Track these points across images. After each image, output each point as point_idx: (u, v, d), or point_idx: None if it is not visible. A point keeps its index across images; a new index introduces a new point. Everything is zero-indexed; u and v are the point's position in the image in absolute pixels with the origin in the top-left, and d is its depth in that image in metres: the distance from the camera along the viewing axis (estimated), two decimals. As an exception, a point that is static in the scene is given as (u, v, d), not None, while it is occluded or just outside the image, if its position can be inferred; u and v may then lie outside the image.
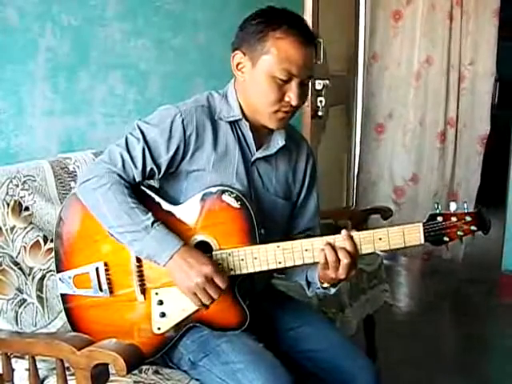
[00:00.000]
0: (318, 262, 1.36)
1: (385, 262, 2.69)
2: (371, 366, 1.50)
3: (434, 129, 3.74)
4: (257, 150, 1.47)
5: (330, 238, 1.35)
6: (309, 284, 1.49)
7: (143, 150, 1.38)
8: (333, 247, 1.32)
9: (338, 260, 1.32)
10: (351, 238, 1.33)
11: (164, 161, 1.40)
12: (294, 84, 1.38)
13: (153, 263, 1.37)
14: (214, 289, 1.31)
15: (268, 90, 1.38)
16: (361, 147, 3.95)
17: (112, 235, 1.38)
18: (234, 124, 1.46)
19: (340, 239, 1.34)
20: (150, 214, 1.35)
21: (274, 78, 1.37)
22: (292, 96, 1.38)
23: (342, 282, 1.38)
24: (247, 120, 1.46)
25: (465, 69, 3.64)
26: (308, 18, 2.81)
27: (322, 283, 1.42)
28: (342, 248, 1.32)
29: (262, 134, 1.48)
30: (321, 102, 3.04)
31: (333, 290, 1.44)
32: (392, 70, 3.78)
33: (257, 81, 1.40)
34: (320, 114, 3.06)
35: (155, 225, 1.33)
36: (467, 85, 3.65)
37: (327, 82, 3.02)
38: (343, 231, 1.34)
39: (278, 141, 1.48)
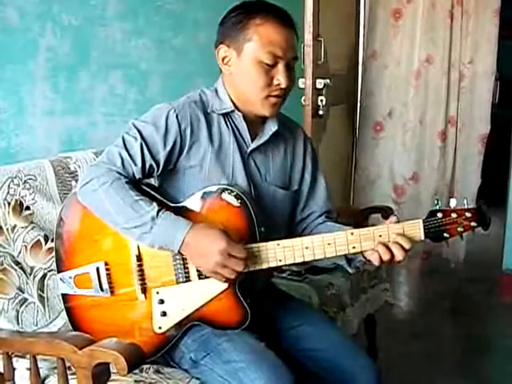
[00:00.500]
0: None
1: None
2: (372, 365, 1.50)
3: (434, 128, 3.73)
4: (251, 142, 1.48)
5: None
6: (349, 261, 1.48)
7: (141, 146, 1.38)
8: (386, 246, 1.33)
9: (392, 256, 1.33)
10: (403, 234, 1.33)
11: (162, 156, 1.40)
12: (280, 66, 1.40)
13: (167, 251, 1.36)
14: (235, 261, 1.31)
15: (256, 76, 1.40)
16: (359, 146, 3.94)
17: (121, 233, 1.37)
18: (227, 117, 1.47)
19: (392, 234, 1.33)
20: (154, 203, 1.34)
21: (261, 63, 1.39)
22: (281, 78, 1.40)
23: None
24: (239, 111, 1.47)
25: (464, 67, 3.64)
26: (308, 17, 2.81)
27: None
28: (395, 243, 1.33)
29: (255, 125, 1.49)
30: (321, 101, 3.03)
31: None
32: (392, 68, 3.77)
33: (244, 69, 1.42)
34: (321, 113, 3.06)
35: (160, 213, 1.33)
36: (467, 84, 3.65)
37: (328, 81, 3.02)
38: (388, 220, 1.35)
39: (271, 127, 1.49)
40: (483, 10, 3.54)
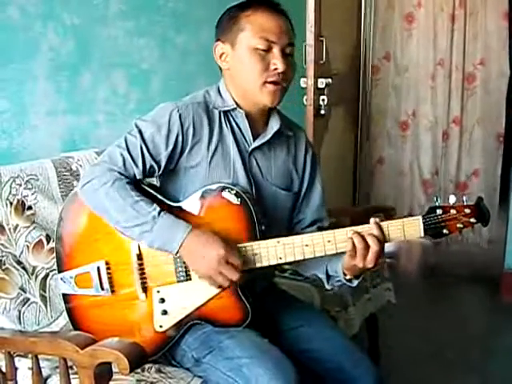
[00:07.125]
0: (337, 254, 1.37)
1: (387, 260, 2.68)
2: (373, 367, 1.49)
3: (439, 127, 3.85)
4: (253, 141, 1.48)
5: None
6: (328, 277, 1.49)
7: (141, 147, 1.39)
8: (361, 234, 1.33)
9: (366, 247, 1.32)
10: (379, 225, 1.33)
11: (163, 157, 1.41)
12: (275, 51, 1.41)
13: (161, 256, 1.38)
14: (231, 270, 1.31)
15: (252, 63, 1.41)
16: (372, 146, 4.02)
17: (121, 232, 1.38)
18: (228, 114, 1.47)
19: (365, 228, 1.34)
20: (154, 204, 1.35)
21: (256, 49, 1.41)
22: (276, 62, 1.41)
23: (367, 271, 1.38)
24: (241, 109, 1.47)
25: (475, 68, 3.72)
26: (310, 16, 2.80)
27: (346, 275, 1.42)
28: (370, 235, 1.33)
29: (257, 124, 1.50)
30: (323, 100, 3.04)
31: (355, 282, 1.43)
32: (405, 70, 3.88)
33: (240, 59, 1.43)
34: (322, 112, 3.06)
35: (162, 213, 1.34)
36: (480, 83, 3.73)
37: (329, 80, 3.02)
38: (372, 220, 1.34)
39: (273, 126, 1.49)
40: (490, 13, 3.63)
